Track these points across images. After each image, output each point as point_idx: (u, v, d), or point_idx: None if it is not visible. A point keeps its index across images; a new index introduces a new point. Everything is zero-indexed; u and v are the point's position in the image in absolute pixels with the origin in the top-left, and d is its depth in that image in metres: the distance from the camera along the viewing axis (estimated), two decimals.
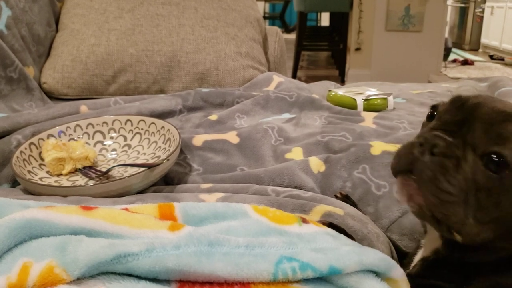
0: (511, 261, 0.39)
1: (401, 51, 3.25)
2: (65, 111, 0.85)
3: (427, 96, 1.05)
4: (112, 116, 0.77)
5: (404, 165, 0.40)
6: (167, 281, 0.36)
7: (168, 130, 0.72)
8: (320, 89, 1.09)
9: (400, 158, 0.41)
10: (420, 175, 0.39)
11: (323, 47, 4.15)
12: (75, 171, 0.68)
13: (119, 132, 0.76)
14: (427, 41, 3.25)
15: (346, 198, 0.59)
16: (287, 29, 6.00)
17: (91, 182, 0.64)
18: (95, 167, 0.69)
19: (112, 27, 1.10)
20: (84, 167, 0.68)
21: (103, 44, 1.07)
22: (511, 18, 4.70)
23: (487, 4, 5.24)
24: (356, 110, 0.92)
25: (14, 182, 0.67)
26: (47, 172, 0.67)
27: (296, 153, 0.71)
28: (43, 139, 0.70)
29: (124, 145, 0.75)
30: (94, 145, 0.75)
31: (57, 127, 0.74)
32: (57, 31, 1.16)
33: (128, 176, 0.58)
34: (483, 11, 5.29)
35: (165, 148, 0.70)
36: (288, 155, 0.71)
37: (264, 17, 6.16)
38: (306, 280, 0.38)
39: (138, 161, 0.70)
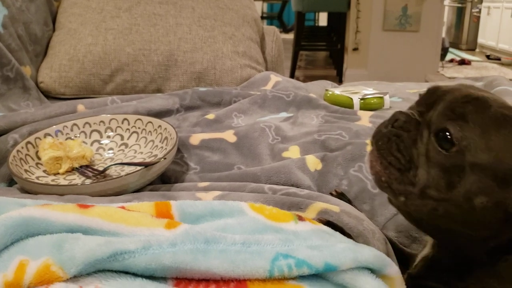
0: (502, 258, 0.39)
1: (398, 51, 3.26)
2: (62, 110, 0.85)
3: None
4: (109, 115, 0.77)
5: (372, 137, 0.43)
6: (163, 279, 0.36)
7: (165, 129, 0.72)
8: (317, 89, 1.09)
9: (373, 133, 0.44)
10: (377, 143, 0.42)
11: (321, 47, 4.16)
12: (72, 170, 0.68)
13: (116, 131, 0.76)
14: (424, 41, 3.26)
15: (341, 196, 0.60)
16: (285, 29, 6.00)
17: (88, 181, 0.64)
18: (92, 166, 0.69)
19: (109, 26, 1.10)
20: (81, 166, 0.68)
21: (100, 44, 1.07)
22: (508, 18, 4.72)
23: (484, 4, 5.25)
24: (353, 109, 0.92)
25: (11, 181, 0.67)
26: (44, 171, 0.67)
27: (293, 152, 0.71)
28: (40, 138, 0.70)
29: (121, 144, 0.75)
30: (91, 144, 0.75)
31: (54, 126, 0.74)
32: (54, 30, 1.16)
33: (125, 175, 0.58)
34: (479, 11, 5.31)
35: (162, 147, 0.70)
36: (285, 154, 0.71)
37: (262, 17, 6.17)
38: (302, 277, 0.38)
39: (135, 160, 0.70)
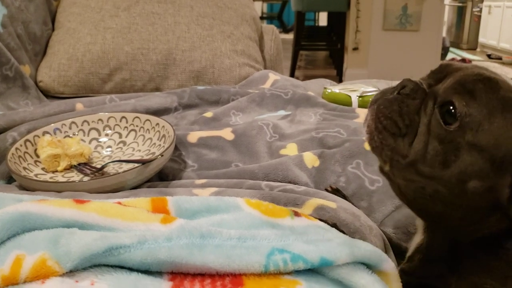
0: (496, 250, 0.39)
1: (398, 50, 3.26)
2: (60, 109, 0.85)
3: None
4: (107, 113, 0.78)
5: (375, 97, 0.42)
6: (159, 273, 0.36)
7: (163, 126, 0.72)
8: (316, 87, 1.10)
9: (375, 96, 0.43)
10: (379, 105, 0.41)
11: (321, 47, 4.16)
12: (70, 167, 0.68)
13: (114, 129, 0.76)
14: (424, 40, 3.25)
15: (336, 192, 0.60)
16: (285, 29, 6.00)
17: (86, 179, 0.64)
18: (90, 163, 0.69)
19: (108, 25, 1.10)
20: (79, 164, 0.68)
21: (99, 43, 1.07)
22: (509, 17, 4.71)
23: (485, 3, 5.25)
24: (351, 107, 0.92)
25: (10, 179, 0.67)
26: (43, 168, 0.67)
27: (291, 149, 0.71)
28: (38, 136, 0.70)
29: (119, 142, 0.75)
30: (89, 142, 0.75)
31: (52, 124, 0.74)
32: (53, 29, 1.16)
33: (123, 172, 0.58)
34: (480, 11, 5.30)
35: (160, 145, 0.71)
36: (283, 151, 0.71)
37: (262, 17, 6.17)
38: (297, 272, 0.38)
39: (133, 158, 0.70)
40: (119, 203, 0.42)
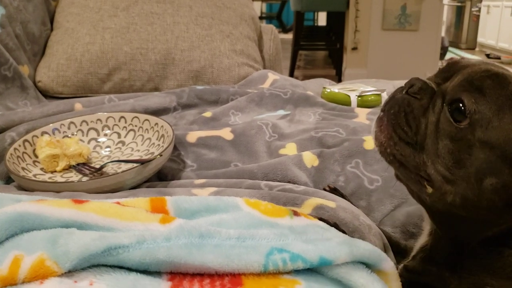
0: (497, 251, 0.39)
1: (397, 50, 3.26)
2: (59, 109, 0.85)
3: None
4: (106, 113, 0.77)
5: (385, 103, 0.41)
6: (157, 273, 0.36)
7: (162, 126, 0.72)
8: (315, 86, 1.10)
9: (387, 98, 0.42)
10: (388, 110, 0.40)
11: (320, 47, 4.15)
12: (69, 168, 0.68)
13: (113, 129, 0.76)
14: (423, 40, 3.25)
15: (334, 191, 0.60)
16: (284, 29, 6.00)
17: (84, 179, 0.64)
18: (89, 163, 0.69)
19: (106, 25, 1.10)
20: (78, 164, 0.68)
21: (98, 43, 1.07)
22: (507, 17, 4.71)
23: (484, 3, 5.25)
24: (350, 107, 0.92)
25: (8, 179, 0.67)
26: (41, 169, 0.67)
27: (290, 149, 0.71)
28: (37, 136, 0.70)
29: (118, 142, 0.75)
30: (88, 142, 0.75)
31: (51, 125, 0.74)
32: (52, 29, 1.16)
33: (121, 172, 0.58)
34: (479, 10, 5.31)
35: (158, 145, 0.70)
36: (282, 151, 0.71)
37: (261, 17, 6.17)
38: (297, 271, 0.38)
39: (132, 158, 0.70)
40: (118, 203, 0.42)
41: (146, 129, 0.75)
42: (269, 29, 1.40)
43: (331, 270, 0.38)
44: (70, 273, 0.35)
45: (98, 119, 0.77)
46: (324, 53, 4.65)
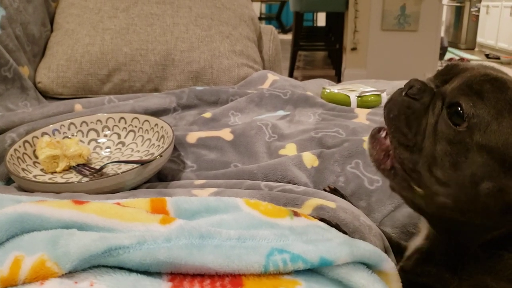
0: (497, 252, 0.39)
1: (397, 50, 3.26)
2: (59, 110, 0.85)
3: None
4: (106, 114, 0.77)
5: (385, 106, 0.42)
6: (158, 274, 0.36)
7: (162, 127, 0.72)
8: (314, 87, 1.10)
9: (387, 100, 0.43)
10: (388, 115, 0.40)
11: (320, 47, 4.16)
12: (69, 168, 0.68)
13: (113, 130, 0.76)
14: (423, 40, 3.26)
15: (334, 191, 0.60)
16: (283, 30, 6.00)
17: (85, 179, 0.64)
18: (89, 164, 0.69)
19: (106, 26, 1.10)
20: (78, 165, 0.68)
21: (98, 44, 1.07)
22: (507, 17, 4.72)
23: (483, 3, 5.26)
24: (350, 107, 0.92)
25: (9, 180, 0.67)
26: (41, 170, 0.67)
27: (290, 149, 0.71)
28: (37, 137, 0.70)
29: (118, 143, 0.75)
30: (88, 143, 0.75)
31: (51, 125, 0.74)
32: (52, 31, 1.16)
33: (122, 173, 0.58)
34: (478, 10, 5.31)
35: (158, 145, 0.70)
36: (282, 151, 0.71)
37: (261, 18, 6.16)
38: (297, 272, 0.38)
39: (132, 159, 0.70)
40: (118, 203, 0.42)
41: (146, 129, 0.75)
42: (269, 30, 1.40)
43: (332, 271, 0.38)
44: (70, 274, 0.35)
45: (98, 120, 0.77)
46: (324, 54, 4.65)
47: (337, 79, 3.42)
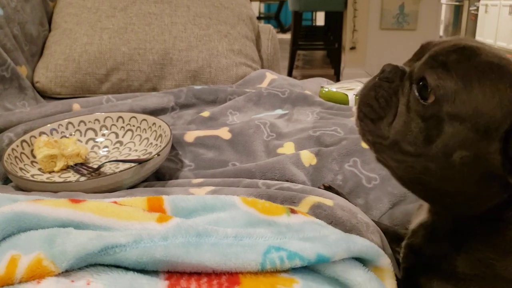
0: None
1: (396, 49, 3.26)
2: (57, 109, 0.85)
3: None
4: (103, 113, 0.77)
5: (360, 90, 0.44)
6: (155, 272, 0.36)
7: (160, 126, 0.72)
8: (313, 86, 1.10)
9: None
10: (361, 94, 0.42)
11: (318, 47, 4.16)
12: (67, 168, 0.68)
13: (110, 129, 0.76)
14: (421, 39, 3.18)
15: (329, 189, 0.60)
16: (282, 29, 6.00)
17: (82, 179, 0.64)
18: (86, 164, 0.69)
19: (104, 26, 1.10)
20: (75, 164, 0.68)
21: (96, 43, 1.07)
22: (506, 16, 4.72)
23: (482, 2, 5.26)
24: (348, 106, 0.92)
25: (6, 180, 0.67)
26: (39, 169, 0.67)
27: (288, 148, 0.71)
28: (35, 137, 0.70)
29: (116, 142, 0.75)
30: (86, 142, 0.75)
31: (49, 125, 0.74)
32: (49, 30, 1.16)
33: (119, 172, 0.58)
34: (477, 9, 5.31)
35: (156, 145, 0.70)
36: (280, 150, 0.71)
37: (259, 17, 6.17)
38: (294, 270, 0.38)
39: (130, 158, 0.70)
40: (115, 202, 0.42)
41: (144, 129, 0.75)
42: (267, 29, 1.40)
43: (328, 268, 0.38)
44: (67, 272, 0.35)
45: (96, 119, 0.77)
46: (322, 53, 4.65)
47: (336, 78, 3.42)
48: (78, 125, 0.76)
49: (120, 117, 0.77)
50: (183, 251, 0.36)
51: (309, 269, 0.39)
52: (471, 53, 0.36)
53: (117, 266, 0.36)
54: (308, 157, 0.66)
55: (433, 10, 3.22)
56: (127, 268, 0.36)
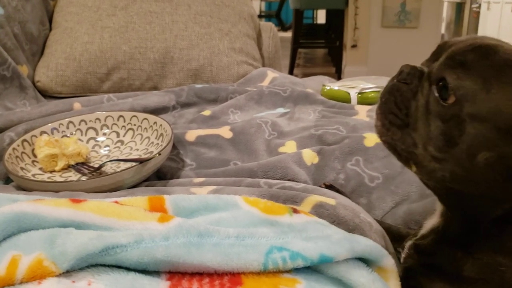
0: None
1: (397, 47, 3.25)
2: (58, 109, 0.85)
3: None
4: (104, 112, 0.77)
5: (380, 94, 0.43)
6: (156, 273, 0.36)
7: (161, 125, 0.71)
8: (314, 84, 1.09)
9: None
10: (381, 99, 0.41)
11: (320, 45, 4.15)
12: (68, 167, 0.68)
13: (111, 128, 0.76)
14: (423, 37, 3.25)
15: (330, 188, 0.59)
16: (283, 27, 5.98)
17: (83, 178, 0.64)
18: (87, 163, 0.69)
19: (105, 24, 1.10)
20: (77, 163, 0.68)
21: (97, 42, 1.07)
22: (508, 13, 4.70)
23: None
24: (350, 104, 0.92)
25: (7, 179, 0.67)
26: (40, 168, 0.67)
27: (289, 147, 0.71)
28: (35, 136, 0.70)
29: (117, 141, 0.75)
30: (87, 142, 0.74)
31: (49, 124, 0.74)
32: (50, 29, 1.16)
33: (120, 171, 0.58)
34: (479, 7, 5.29)
35: (157, 144, 0.70)
36: (281, 149, 0.71)
37: (260, 16, 6.15)
38: (297, 270, 0.38)
39: (131, 157, 0.70)
40: (116, 202, 0.42)
41: (145, 128, 0.74)
42: (268, 27, 1.39)
43: (331, 269, 0.38)
44: (68, 273, 0.34)
45: (97, 119, 0.76)
46: (324, 51, 4.64)
47: (338, 76, 3.41)
48: (79, 124, 0.76)
49: (121, 116, 0.76)
50: (184, 251, 0.36)
51: (312, 269, 0.38)
52: (488, 51, 0.36)
53: (118, 267, 0.36)
54: (310, 155, 0.66)
55: (434, 8, 3.20)
56: (128, 269, 0.36)
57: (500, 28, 4.82)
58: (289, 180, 0.61)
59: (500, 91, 0.34)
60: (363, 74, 3.06)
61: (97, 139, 0.75)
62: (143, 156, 0.69)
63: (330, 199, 0.50)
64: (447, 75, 0.36)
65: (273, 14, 6.22)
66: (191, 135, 0.74)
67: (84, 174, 0.65)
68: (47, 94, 1.06)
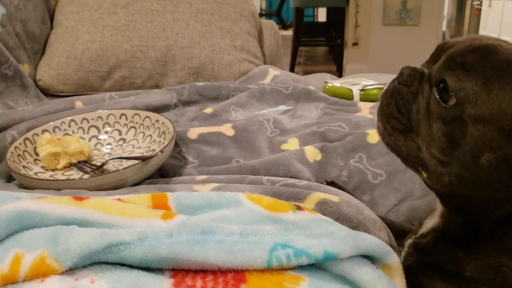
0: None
1: (398, 45, 3.24)
2: (60, 107, 0.85)
3: None
4: (106, 110, 0.77)
5: (380, 95, 0.43)
6: (160, 270, 0.36)
7: (163, 123, 0.71)
8: (317, 81, 1.09)
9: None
10: (382, 103, 0.41)
11: (321, 43, 4.15)
12: (70, 165, 0.68)
13: (113, 127, 0.76)
14: (424, 34, 3.24)
15: (332, 185, 0.59)
16: (284, 26, 5.98)
17: (86, 176, 0.64)
18: (90, 161, 0.69)
19: (106, 23, 1.09)
20: (79, 162, 0.68)
21: (98, 41, 1.07)
22: (510, 10, 4.68)
23: None
24: (353, 101, 0.91)
25: (10, 178, 0.67)
26: (42, 167, 0.67)
27: (292, 144, 0.71)
28: (37, 134, 0.70)
29: (119, 139, 0.75)
30: (89, 140, 0.74)
31: (51, 123, 0.73)
32: (51, 28, 1.16)
33: (123, 169, 0.58)
34: (481, 4, 5.27)
35: (160, 142, 0.70)
36: (284, 146, 0.70)
37: (261, 14, 6.14)
38: (301, 268, 0.38)
39: (133, 155, 0.70)
40: (119, 199, 0.42)
41: (147, 126, 0.74)
42: (269, 25, 1.39)
43: (336, 266, 0.38)
44: (71, 271, 0.34)
45: (99, 117, 0.76)
46: (325, 49, 4.63)
47: (339, 74, 3.40)
48: (81, 123, 0.75)
49: (123, 114, 0.76)
50: (188, 248, 0.35)
51: (316, 266, 0.38)
52: (487, 52, 0.35)
53: (122, 264, 0.35)
54: (312, 152, 0.65)
55: (435, 5, 3.19)
56: (131, 266, 0.35)
57: (501, 25, 4.81)
58: (291, 177, 0.61)
59: (502, 91, 0.34)
60: (364, 72, 3.05)
61: (99, 137, 0.75)
62: (146, 154, 0.68)
63: (334, 196, 0.49)
64: (447, 77, 0.36)
65: (273, 13, 6.21)
66: (193, 133, 0.74)
67: (86, 172, 0.65)
68: (48, 93, 1.06)
